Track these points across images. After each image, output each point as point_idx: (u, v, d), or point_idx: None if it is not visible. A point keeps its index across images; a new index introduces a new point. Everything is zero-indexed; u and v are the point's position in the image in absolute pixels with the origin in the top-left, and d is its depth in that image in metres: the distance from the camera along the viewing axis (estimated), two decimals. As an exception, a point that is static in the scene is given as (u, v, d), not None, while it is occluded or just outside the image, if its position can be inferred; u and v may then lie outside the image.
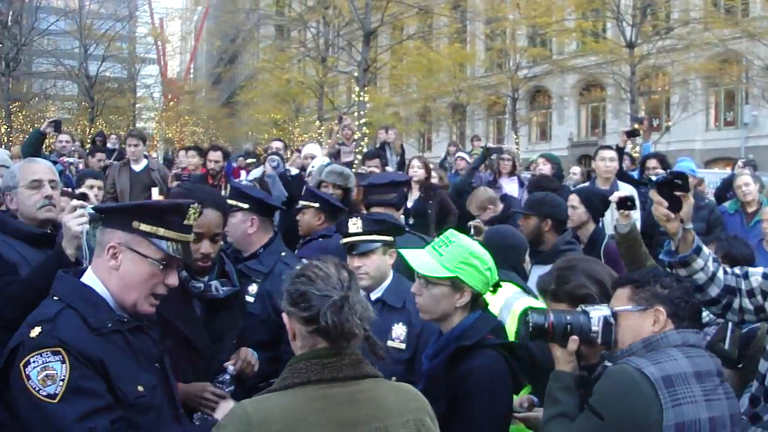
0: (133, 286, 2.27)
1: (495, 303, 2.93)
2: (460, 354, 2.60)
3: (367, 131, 19.27)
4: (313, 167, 7.01)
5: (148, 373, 2.27)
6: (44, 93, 40.94)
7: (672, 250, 2.61)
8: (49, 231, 3.39)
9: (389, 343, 3.26)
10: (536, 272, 3.98)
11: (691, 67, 25.79)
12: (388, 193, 4.85)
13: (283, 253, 3.81)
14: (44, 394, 1.99)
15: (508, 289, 3.40)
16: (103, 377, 2.09)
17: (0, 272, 3.09)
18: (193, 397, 2.87)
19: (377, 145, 11.65)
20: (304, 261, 2.10)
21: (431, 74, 30.00)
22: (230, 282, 3.19)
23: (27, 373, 2.01)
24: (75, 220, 2.97)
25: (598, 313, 2.48)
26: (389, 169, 9.64)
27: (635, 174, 7.57)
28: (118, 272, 2.27)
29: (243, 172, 10.30)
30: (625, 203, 4.21)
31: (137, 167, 8.32)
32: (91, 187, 5.32)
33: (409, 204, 7.12)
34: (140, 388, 2.18)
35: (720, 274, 2.60)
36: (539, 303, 3.45)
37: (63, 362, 2.02)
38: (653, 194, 2.59)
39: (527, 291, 3.70)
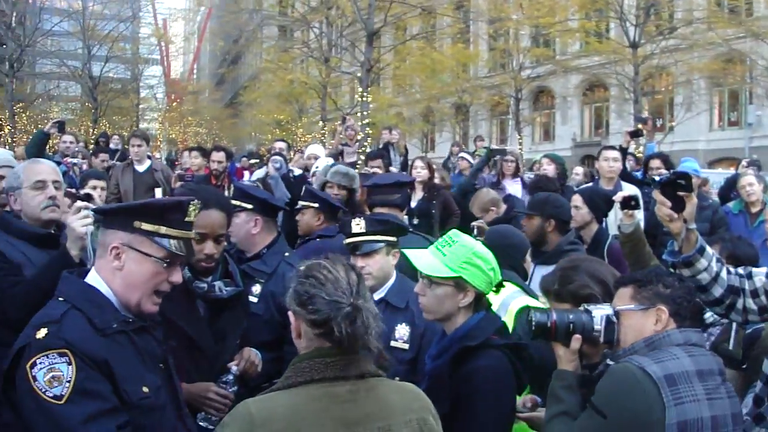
0: (138, 286, 2.28)
1: (493, 302, 2.93)
2: (465, 354, 2.60)
3: (370, 132, 19.27)
4: (317, 167, 7.02)
5: (152, 373, 2.27)
6: (48, 94, 40.99)
7: (675, 251, 2.61)
8: (52, 231, 3.40)
9: (392, 343, 3.26)
10: (539, 272, 3.98)
11: (695, 67, 25.74)
12: (392, 193, 4.85)
13: (287, 254, 3.82)
14: (50, 395, 1.99)
15: (507, 288, 3.40)
16: (109, 378, 2.09)
17: (4, 273, 3.11)
18: (197, 397, 2.88)
19: (380, 146, 11.66)
20: (307, 262, 2.09)
21: (434, 74, 30.00)
22: (234, 282, 3.19)
23: (33, 374, 2.01)
24: (79, 222, 2.98)
25: (600, 312, 2.48)
26: (393, 169, 9.65)
27: (639, 174, 7.55)
28: (122, 272, 2.27)
29: (246, 173, 10.32)
30: (629, 203, 4.21)
31: (140, 168, 8.33)
32: (95, 187, 5.34)
33: (413, 204, 7.12)
34: (145, 389, 2.18)
35: (723, 274, 2.60)
36: (537, 302, 3.45)
37: (69, 364, 2.02)
38: (656, 194, 2.59)
39: (526, 291, 3.71)
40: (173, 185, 7.97)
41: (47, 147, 8.59)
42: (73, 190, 3.82)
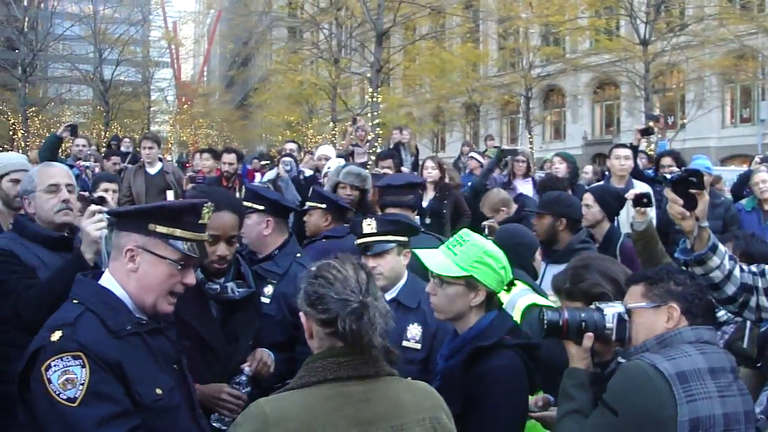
0: (152, 288, 2.29)
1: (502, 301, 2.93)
2: (478, 354, 2.60)
3: (381, 132, 19.27)
4: (329, 168, 7.02)
5: (166, 374, 2.29)
6: (60, 98, 41.28)
7: (687, 249, 2.61)
8: (66, 234, 3.42)
9: (404, 343, 3.26)
10: (551, 271, 3.98)
11: (706, 64, 25.58)
12: (405, 194, 4.86)
13: (299, 255, 3.83)
14: (64, 397, 2.01)
15: (516, 287, 3.40)
16: (122, 381, 2.10)
17: (19, 276, 3.14)
18: (210, 398, 2.89)
19: (391, 146, 11.66)
20: (317, 262, 2.10)
21: (444, 74, 29.96)
22: (246, 283, 3.21)
23: (48, 376, 2.02)
24: (94, 225, 3.00)
25: (612, 310, 2.48)
26: (404, 169, 9.65)
27: (651, 172, 7.52)
28: (137, 274, 2.29)
29: (258, 175, 10.35)
30: (641, 200, 4.19)
31: (152, 170, 8.37)
32: (106, 190, 5.37)
33: (425, 204, 7.12)
34: (158, 391, 2.20)
35: (736, 271, 2.59)
36: (544, 300, 3.45)
37: (83, 367, 2.04)
38: (668, 192, 2.59)
39: (535, 289, 3.70)
40: (184, 187, 8.00)
41: (60, 150, 8.65)
42: (86, 194, 3.85)
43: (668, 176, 2.65)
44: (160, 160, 8.80)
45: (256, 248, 3.85)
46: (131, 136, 21.53)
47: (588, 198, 5.09)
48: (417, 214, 5.20)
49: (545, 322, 2.51)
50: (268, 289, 3.64)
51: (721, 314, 3.48)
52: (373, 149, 13.83)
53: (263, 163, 11.18)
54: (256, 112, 45.96)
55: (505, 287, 2.78)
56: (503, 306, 2.85)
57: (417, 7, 23.51)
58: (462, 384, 2.57)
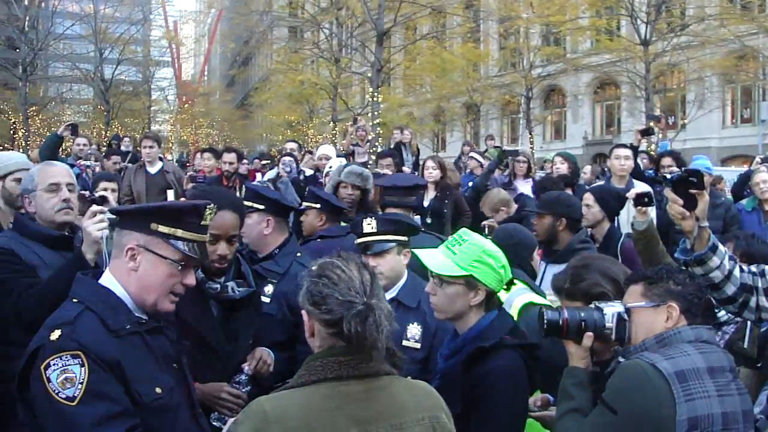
0: (153, 287, 2.29)
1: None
2: (478, 355, 2.60)
3: (381, 132, 19.27)
4: (331, 167, 7.02)
5: (165, 374, 2.29)
6: (60, 97, 41.35)
7: (687, 249, 2.61)
8: (66, 233, 3.43)
9: (404, 342, 3.26)
10: (551, 271, 3.98)
11: (707, 64, 25.59)
12: (409, 195, 4.86)
13: (299, 254, 3.83)
14: (63, 396, 2.01)
15: (514, 286, 3.40)
16: (121, 380, 2.11)
17: (20, 275, 3.14)
18: (210, 397, 2.90)
19: (392, 146, 11.67)
20: (320, 260, 2.09)
21: (445, 74, 29.98)
22: (246, 283, 3.21)
23: (47, 375, 2.03)
24: (95, 226, 3.00)
25: (611, 309, 2.49)
26: (405, 169, 9.65)
27: (652, 172, 7.52)
28: (137, 273, 2.29)
29: (258, 174, 10.35)
30: (642, 199, 4.19)
31: (152, 169, 8.37)
32: (105, 189, 5.35)
33: (425, 203, 7.13)
34: (158, 390, 2.20)
35: (736, 272, 2.59)
36: (541, 299, 3.45)
37: (82, 365, 2.04)
38: (668, 192, 2.59)
39: (533, 288, 3.71)
40: (185, 186, 8.01)
41: (60, 149, 8.65)
42: (87, 193, 3.85)
43: (668, 176, 2.66)
44: (161, 159, 8.80)
45: (256, 247, 3.85)
46: (132, 135, 21.54)
47: (588, 198, 5.09)
48: (418, 214, 5.20)
49: (545, 321, 2.52)
50: (269, 289, 3.64)
51: (722, 314, 3.49)
52: (374, 149, 13.84)
53: (264, 162, 11.19)
54: (256, 112, 46.04)
55: (505, 286, 2.78)
56: (503, 305, 2.85)
57: (418, 6, 23.51)
58: (462, 384, 2.57)
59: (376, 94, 20.42)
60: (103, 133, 32.17)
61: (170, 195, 7.73)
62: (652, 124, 8.73)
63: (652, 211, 4.44)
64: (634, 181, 6.51)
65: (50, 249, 3.32)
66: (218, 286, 3.09)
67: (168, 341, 2.38)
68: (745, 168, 11.32)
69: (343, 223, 4.90)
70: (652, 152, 10.02)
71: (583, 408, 2.43)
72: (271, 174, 8.39)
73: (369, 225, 3.44)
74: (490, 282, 2.69)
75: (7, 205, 3.96)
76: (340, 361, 1.95)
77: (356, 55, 31.06)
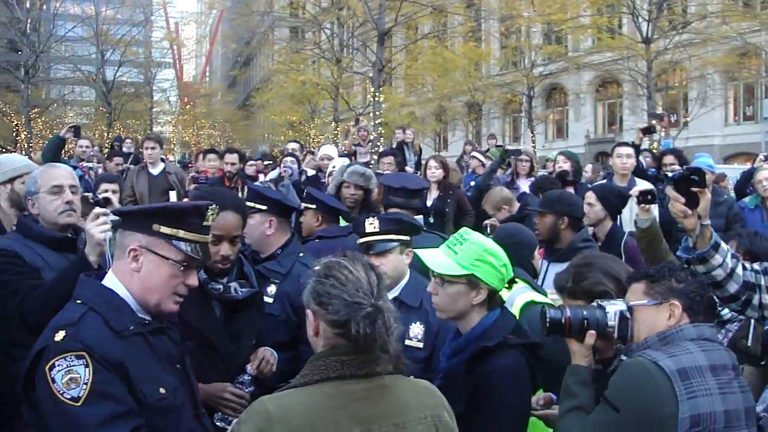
0: (155, 288, 2.30)
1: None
2: (482, 354, 2.60)
3: (383, 131, 19.27)
4: (334, 167, 7.02)
5: (169, 374, 2.30)
6: (63, 99, 41.39)
7: (690, 247, 2.61)
8: (69, 235, 3.44)
9: (407, 342, 3.26)
10: (553, 270, 3.98)
11: (709, 62, 25.53)
12: (414, 197, 4.87)
13: (301, 254, 3.83)
14: (68, 397, 2.02)
15: (515, 284, 3.41)
16: (125, 381, 2.12)
17: (24, 277, 3.15)
18: (213, 397, 2.90)
19: (394, 146, 11.68)
20: (325, 260, 2.09)
21: (446, 73, 29.94)
22: (249, 283, 3.22)
23: (52, 376, 2.04)
24: (98, 228, 3.01)
25: (614, 307, 2.49)
26: (408, 169, 9.66)
27: (654, 170, 7.52)
28: (140, 274, 2.30)
29: (261, 175, 10.35)
30: (646, 197, 4.19)
31: (155, 171, 8.37)
32: (106, 191, 5.35)
33: (428, 203, 7.13)
34: (162, 390, 2.21)
35: (739, 270, 2.59)
36: (542, 298, 3.46)
37: (86, 366, 2.05)
38: (669, 190, 2.59)
39: (534, 287, 3.71)
40: (187, 187, 8.01)
41: (62, 151, 8.67)
42: (90, 195, 3.86)
43: (670, 174, 2.66)
44: (162, 160, 8.81)
45: (258, 248, 3.85)
46: (134, 136, 21.54)
47: (590, 196, 5.09)
48: (421, 214, 5.20)
49: (547, 319, 2.52)
50: (271, 289, 3.64)
51: (725, 312, 3.49)
52: (376, 149, 13.84)
53: (266, 162, 11.18)
54: (258, 112, 46.03)
55: (506, 285, 2.78)
56: (505, 304, 2.86)
57: (419, 6, 23.48)
58: (465, 383, 2.58)
59: (377, 93, 20.42)
60: (106, 134, 32.24)
61: (173, 196, 7.74)
62: (654, 122, 8.71)
63: (654, 209, 4.44)
64: (637, 179, 6.51)
65: (54, 251, 3.34)
66: (221, 286, 3.10)
67: (171, 342, 2.39)
68: (748, 166, 11.31)
69: (345, 223, 4.91)
70: (655, 151, 10.01)
71: (585, 406, 2.43)
72: (273, 174, 8.39)
73: (371, 225, 3.44)
74: (491, 281, 2.69)
75: (15, 207, 3.96)
76: (343, 360, 1.95)
77: (357, 55, 31.04)
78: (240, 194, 7.03)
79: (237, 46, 48.27)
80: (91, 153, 9.51)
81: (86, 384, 2.03)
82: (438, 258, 2.75)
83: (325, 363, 1.96)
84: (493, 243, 2.79)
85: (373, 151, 12.36)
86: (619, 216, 5.35)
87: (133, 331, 2.22)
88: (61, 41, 34.00)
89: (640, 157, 7.76)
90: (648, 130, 7.73)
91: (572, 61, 31.51)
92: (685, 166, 3.98)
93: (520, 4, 28.86)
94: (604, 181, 7.24)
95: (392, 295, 3.34)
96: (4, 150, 32.00)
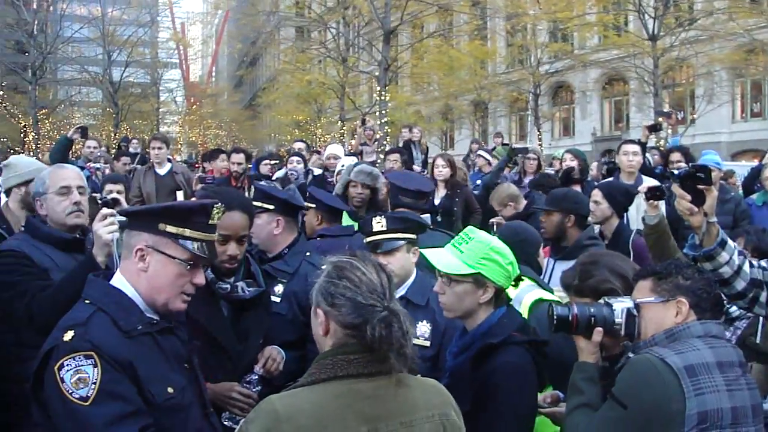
0: (163, 287, 2.31)
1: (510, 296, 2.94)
2: (487, 351, 2.61)
3: (389, 130, 19.27)
4: (343, 166, 7.04)
5: (177, 373, 2.31)
6: (70, 100, 41.49)
7: (696, 244, 2.61)
8: (77, 236, 3.45)
9: (413, 340, 3.27)
10: (559, 268, 3.98)
11: (716, 59, 25.43)
12: (423, 199, 4.88)
13: (308, 253, 3.84)
14: (77, 396, 2.03)
15: (522, 282, 3.41)
16: (133, 380, 2.13)
17: (33, 277, 3.17)
18: (221, 396, 2.91)
19: (401, 144, 11.69)
20: (334, 259, 2.09)
21: (452, 72, 29.95)
22: (256, 283, 3.23)
23: (61, 375, 2.05)
24: (105, 229, 3.03)
25: (621, 305, 2.49)
26: (416, 167, 9.66)
27: (660, 168, 7.50)
28: (147, 274, 2.31)
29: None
30: (654, 193, 4.19)
31: (161, 171, 8.40)
32: (111, 192, 5.37)
33: (436, 202, 7.13)
34: (170, 390, 2.22)
35: (746, 267, 2.59)
36: (550, 296, 3.45)
37: (95, 366, 2.06)
38: (676, 188, 2.59)
39: (541, 285, 3.71)
40: (194, 187, 8.04)
41: (70, 152, 8.71)
42: (98, 196, 3.87)
43: (676, 172, 2.65)
44: (169, 160, 8.84)
45: (266, 247, 3.86)
46: (140, 137, 21.60)
47: (596, 194, 5.07)
48: (429, 212, 5.21)
49: (555, 316, 2.52)
50: (279, 288, 3.65)
51: (734, 310, 3.48)
52: (382, 148, 13.85)
53: (272, 162, 11.20)
54: (264, 112, 46.09)
55: (513, 283, 2.78)
56: (511, 302, 2.86)
57: (424, 4, 23.50)
58: (471, 381, 2.58)
59: (383, 92, 20.44)
60: (112, 135, 32.31)
61: (180, 196, 7.76)
62: (660, 119, 8.68)
63: (662, 206, 4.43)
64: (643, 177, 6.50)
65: (62, 251, 3.35)
66: (228, 286, 3.11)
67: (179, 341, 2.40)
68: (755, 162, 11.26)
69: (351, 221, 4.92)
70: (662, 149, 9.98)
71: (593, 403, 2.43)
72: (280, 174, 8.41)
73: (379, 223, 3.45)
74: (498, 279, 2.69)
75: (26, 209, 3.98)
76: (350, 359, 1.96)
77: (363, 54, 31.09)
78: (247, 194, 7.05)
79: (243, 46, 48.34)
80: (99, 154, 9.55)
81: (95, 384, 2.04)
82: (444, 257, 2.75)
83: (333, 362, 1.96)
84: (499, 241, 2.80)
85: (379, 150, 12.37)
86: (625, 214, 5.34)
87: (141, 331, 2.23)
88: (68, 42, 34.07)
89: (648, 155, 7.74)
90: (654, 128, 7.70)
91: (578, 59, 31.43)
92: (691, 164, 3.97)
93: (526, 2, 28.83)
94: (611, 178, 7.23)
95: (399, 293, 3.35)
96: (12, 151, 32.19)
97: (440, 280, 2.77)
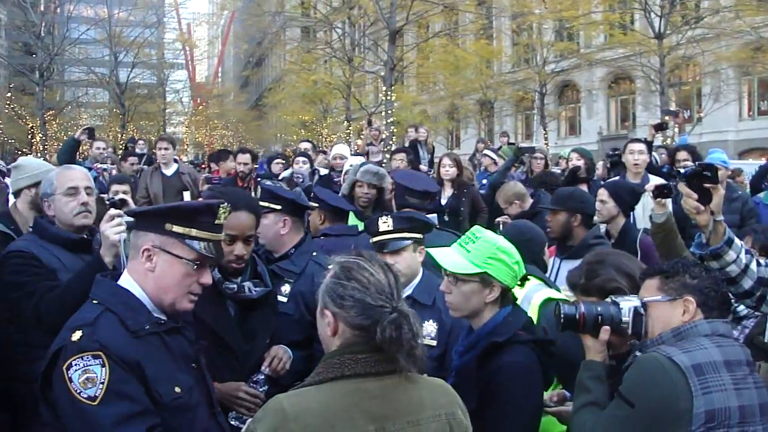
0: (170, 287, 2.32)
1: (517, 296, 2.94)
2: (492, 350, 2.61)
3: (395, 130, 19.27)
4: (351, 165, 7.05)
5: (185, 373, 2.31)
6: (77, 101, 41.62)
7: (703, 243, 2.60)
8: (85, 236, 3.47)
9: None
10: (565, 267, 3.98)
11: (723, 57, 25.34)
12: (429, 199, 4.88)
13: (315, 253, 3.84)
14: (85, 396, 2.04)
15: (530, 282, 3.41)
16: (141, 380, 2.13)
17: (41, 278, 3.19)
18: (228, 396, 2.92)
19: (407, 144, 11.69)
20: (340, 259, 2.09)
21: (458, 71, 29.93)
22: (263, 283, 3.23)
23: (69, 375, 2.06)
24: (113, 229, 3.05)
25: (628, 303, 2.49)
26: (422, 167, 9.66)
27: (667, 167, 7.48)
28: (154, 274, 2.31)
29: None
30: (662, 191, 4.18)
31: (168, 171, 8.42)
32: (116, 192, 5.39)
33: (443, 201, 7.13)
34: (177, 389, 2.22)
35: (753, 266, 2.58)
36: (559, 294, 3.45)
37: (103, 366, 2.07)
38: (682, 187, 2.59)
39: (548, 284, 3.71)
40: (201, 188, 8.06)
41: (77, 153, 8.74)
42: (106, 196, 3.89)
43: (682, 171, 2.65)
44: (176, 161, 8.86)
45: (272, 247, 3.86)
46: (147, 138, 21.66)
47: (603, 194, 5.07)
48: (435, 212, 5.21)
49: (562, 315, 2.52)
50: (285, 288, 3.65)
51: (741, 309, 3.47)
52: (388, 147, 13.85)
53: (284, 161, 11.22)
54: (270, 112, 46.14)
55: (519, 282, 2.79)
56: (517, 301, 2.86)
57: (430, 4, 23.47)
58: (477, 380, 2.58)
59: (389, 92, 20.43)
60: (119, 136, 32.41)
61: (187, 196, 7.79)
62: (667, 118, 8.66)
63: (669, 204, 4.43)
64: (650, 176, 6.48)
65: (69, 252, 3.37)
66: (235, 286, 3.12)
67: (186, 341, 2.40)
68: (763, 161, 11.22)
69: (357, 221, 4.92)
70: (669, 147, 9.96)
71: (600, 401, 2.43)
72: (286, 173, 8.42)
73: (385, 223, 3.46)
74: (504, 278, 2.69)
75: (36, 210, 4.00)
76: (357, 358, 1.96)
77: (369, 54, 31.05)
78: (253, 194, 7.06)
79: (249, 47, 48.46)
80: (105, 154, 9.58)
81: (102, 383, 2.05)
82: (451, 257, 2.75)
83: (340, 361, 1.96)
84: (505, 240, 2.80)
85: (385, 150, 12.37)
86: (632, 213, 5.33)
87: (148, 331, 2.23)
88: (75, 44, 34.20)
89: (655, 154, 7.73)
90: (660, 127, 7.69)
91: (584, 58, 31.37)
92: (697, 162, 3.96)
93: (532, 1, 28.78)
94: (615, 175, 7.22)
95: (405, 293, 3.35)
96: (20, 152, 32.34)
97: (446, 280, 2.77)
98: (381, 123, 15.19)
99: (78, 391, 2.04)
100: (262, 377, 3.08)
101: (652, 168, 6.76)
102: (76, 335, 2.12)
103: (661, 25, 22.64)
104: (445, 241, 3.63)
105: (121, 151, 14.13)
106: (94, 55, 38.06)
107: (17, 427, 3.32)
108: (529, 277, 2.92)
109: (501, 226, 5.43)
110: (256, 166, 9.35)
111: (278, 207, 3.79)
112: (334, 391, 1.93)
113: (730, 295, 2.55)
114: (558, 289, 3.66)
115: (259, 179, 8.36)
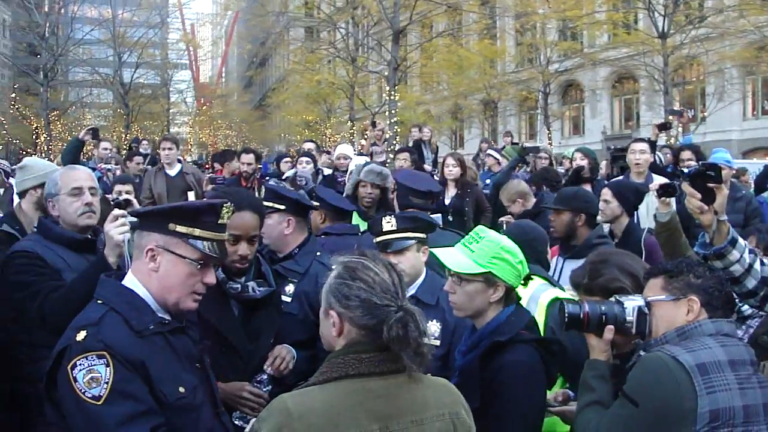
0: (174, 287, 2.32)
1: (522, 296, 2.94)
2: (495, 349, 2.61)
3: (399, 130, 19.26)
4: (355, 165, 7.05)
5: (189, 373, 2.32)
6: (81, 101, 41.78)
7: (707, 243, 2.60)
8: (89, 237, 3.48)
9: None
10: (569, 267, 3.98)
11: (726, 56, 25.30)
12: (432, 199, 4.87)
13: (318, 253, 3.84)
14: (89, 396, 2.05)
15: (535, 281, 3.41)
16: (145, 380, 2.14)
17: (45, 278, 3.20)
18: (232, 396, 2.92)
19: (411, 144, 11.69)
20: (343, 259, 2.09)
21: (461, 71, 29.93)
22: (267, 282, 3.24)
23: (74, 375, 2.07)
24: (117, 230, 3.05)
25: (632, 303, 2.49)
26: (426, 167, 9.66)
27: (671, 166, 7.46)
28: (158, 274, 2.32)
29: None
30: (666, 190, 4.17)
31: (172, 172, 8.43)
32: (120, 192, 5.40)
33: (447, 201, 7.13)
34: (181, 389, 2.23)
35: (757, 265, 2.58)
36: (565, 294, 3.45)
37: (107, 365, 2.07)
38: (686, 186, 2.59)
39: (553, 283, 3.71)
40: (204, 188, 8.07)
41: (81, 153, 8.76)
42: (110, 196, 3.90)
43: (686, 170, 2.65)
44: (179, 161, 8.87)
45: (276, 247, 3.87)
46: (151, 138, 21.72)
47: (606, 193, 5.06)
48: (439, 212, 5.21)
49: (566, 314, 2.52)
50: (289, 288, 3.65)
51: (746, 308, 3.47)
52: (392, 147, 13.85)
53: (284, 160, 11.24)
54: (274, 112, 46.20)
55: (522, 281, 2.79)
56: (521, 301, 2.86)
57: (433, 4, 23.45)
58: (480, 379, 2.58)
59: (393, 92, 20.42)
60: (123, 136, 32.47)
61: (191, 196, 7.80)
62: (671, 118, 8.64)
63: (673, 203, 4.42)
64: (654, 175, 6.47)
65: (74, 252, 3.38)
66: (239, 285, 3.13)
67: (191, 341, 2.41)
68: (767, 160, 11.19)
69: (360, 221, 4.92)
70: (673, 147, 9.93)
71: (604, 400, 2.43)
72: (289, 173, 8.43)
73: (389, 223, 3.46)
74: (508, 278, 2.70)
75: (41, 211, 4.01)
76: (361, 357, 1.96)
77: (373, 54, 31.04)
78: (257, 194, 7.07)
79: (252, 47, 48.46)
80: (110, 155, 9.60)
81: (107, 383, 2.05)
82: (455, 256, 2.75)
83: (344, 360, 1.97)
84: (509, 240, 2.80)
85: (389, 149, 12.37)
86: (636, 212, 5.32)
87: (153, 331, 2.24)
88: (79, 44, 34.26)
89: (659, 153, 7.71)
90: (664, 126, 7.67)
91: (588, 57, 31.34)
92: (701, 162, 3.95)
93: (535, 0, 28.74)
94: (618, 173, 7.21)
95: (409, 293, 3.34)
96: (24, 153, 32.44)
97: (451, 279, 2.77)
98: (384, 123, 15.18)
99: (82, 390, 2.05)
100: (266, 377, 3.08)
101: (656, 167, 6.75)
102: (81, 335, 2.13)
103: (664, 25, 22.58)
104: (448, 241, 3.63)
105: (125, 152, 14.15)
106: (98, 55, 38.16)
107: (22, 426, 3.33)
108: (533, 276, 2.92)
109: (504, 225, 5.42)
110: (260, 166, 9.37)
111: (282, 207, 3.79)
112: (338, 390, 1.94)
113: (734, 294, 2.55)
114: (563, 289, 3.66)
115: (265, 179, 8.38)
